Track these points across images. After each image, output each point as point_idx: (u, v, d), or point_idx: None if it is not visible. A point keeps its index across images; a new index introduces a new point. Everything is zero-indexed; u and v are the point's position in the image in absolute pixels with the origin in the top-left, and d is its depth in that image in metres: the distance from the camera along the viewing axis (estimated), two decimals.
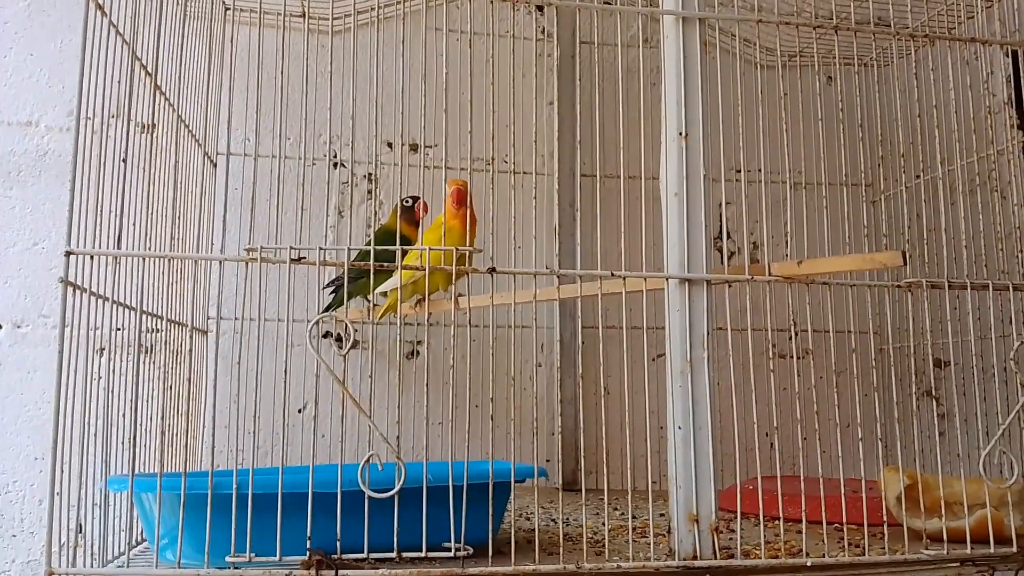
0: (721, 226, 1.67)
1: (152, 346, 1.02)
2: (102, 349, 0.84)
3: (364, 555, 0.80)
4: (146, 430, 0.97)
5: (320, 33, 1.43)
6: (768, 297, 1.10)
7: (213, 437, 0.85)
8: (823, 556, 0.87)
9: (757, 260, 1.67)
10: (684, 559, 0.84)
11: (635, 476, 1.30)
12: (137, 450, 0.84)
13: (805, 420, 0.91)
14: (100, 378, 0.84)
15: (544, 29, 1.68)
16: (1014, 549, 0.90)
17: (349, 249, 0.86)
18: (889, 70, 1.68)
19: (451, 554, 0.82)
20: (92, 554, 0.83)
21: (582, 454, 0.96)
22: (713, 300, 0.90)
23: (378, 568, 0.79)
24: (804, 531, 0.91)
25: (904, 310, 1.39)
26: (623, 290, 0.91)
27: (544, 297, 0.98)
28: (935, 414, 1.31)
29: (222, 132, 1.28)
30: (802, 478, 0.94)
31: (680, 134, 0.90)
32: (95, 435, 0.83)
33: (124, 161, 0.85)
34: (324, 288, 1.36)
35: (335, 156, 1.57)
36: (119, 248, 0.84)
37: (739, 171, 1.03)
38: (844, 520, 1.01)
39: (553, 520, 1.15)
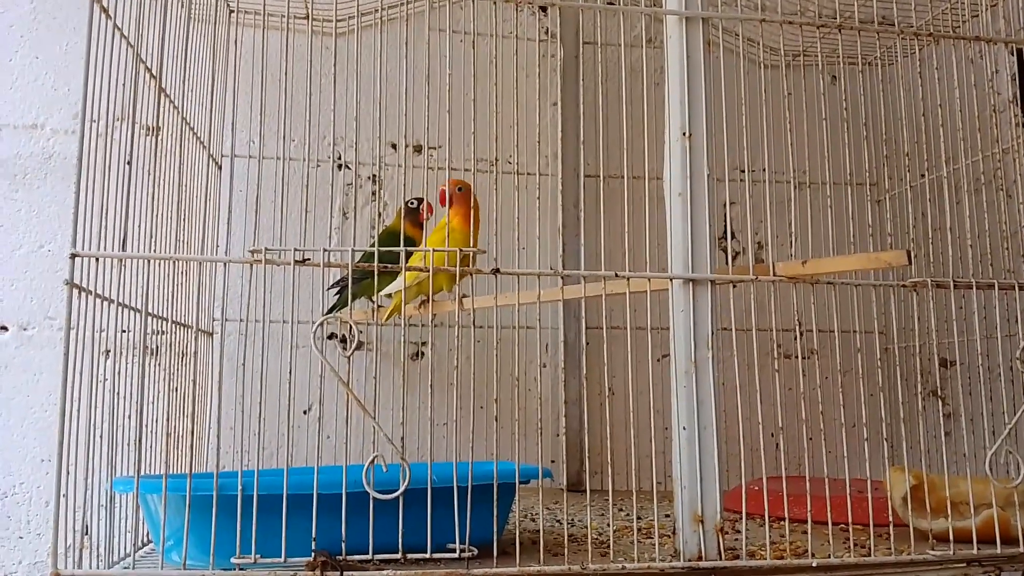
0: (725, 226, 1.67)
1: (157, 348, 1.02)
2: (108, 351, 0.85)
3: (369, 556, 0.80)
4: (151, 432, 0.97)
5: (324, 35, 1.43)
6: (773, 297, 1.10)
7: (218, 438, 0.85)
8: (828, 557, 0.86)
9: (762, 260, 1.67)
10: (689, 560, 0.84)
11: (640, 477, 1.30)
12: (143, 452, 0.84)
13: (810, 420, 0.91)
14: (106, 380, 0.85)
15: (548, 30, 1.68)
16: (1020, 549, 0.89)
17: (353, 250, 0.86)
18: (893, 69, 1.68)
19: (456, 555, 0.82)
20: (98, 555, 0.83)
21: (587, 455, 0.96)
22: (718, 300, 0.89)
23: (383, 569, 0.79)
24: (809, 532, 0.91)
25: (909, 310, 1.39)
26: (627, 290, 0.91)
27: (548, 298, 0.98)
28: (941, 414, 1.30)
29: (227, 134, 1.29)
30: (807, 478, 0.93)
31: (684, 134, 0.90)
32: (101, 437, 0.83)
33: (129, 164, 0.86)
34: (328, 289, 1.37)
35: (339, 158, 1.57)
36: (124, 250, 0.84)
37: (743, 171, 1.03)
38: (850, 520, 1.01)
39: (558, 521, 1.15)
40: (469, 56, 1.01)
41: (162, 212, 0.95)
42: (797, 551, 0.90)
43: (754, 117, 1.01)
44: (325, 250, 0.83)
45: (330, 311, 1.35)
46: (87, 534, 0.82)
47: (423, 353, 1.57)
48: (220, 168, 1.31)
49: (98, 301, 0.84)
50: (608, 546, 0.92)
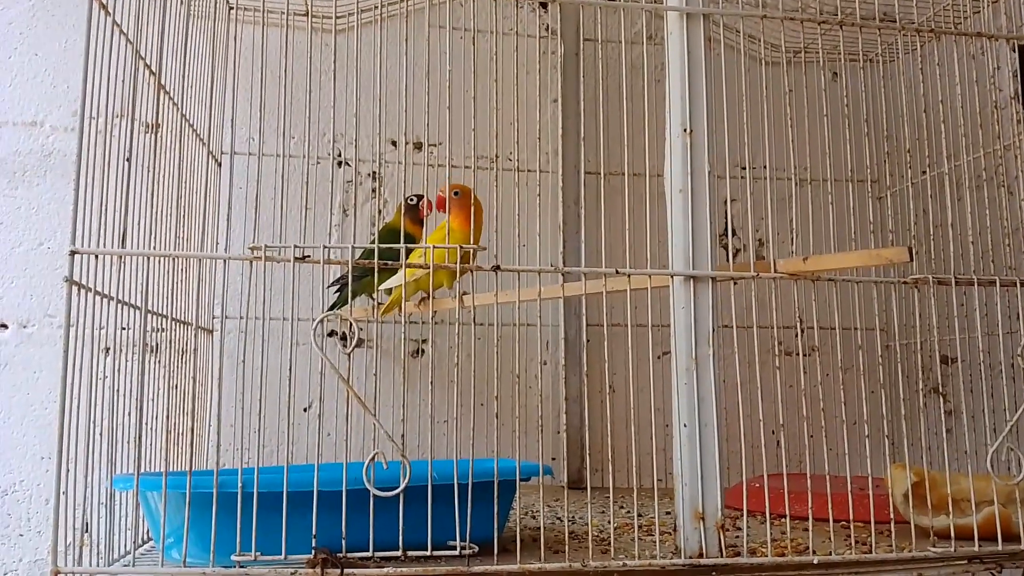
0: (726, 223, 1.67)
1: (157, 345, 1.02)
2: (107, 348, 0.85)
3: (369, 553, 0.80)
4: (151, 429, 0.97)
5: (324, 32, 1.43)
6: (774, 294, 1.09)
7: (219, 436, 0.85)
8: (830, 554, 0.86)
9: (763, 257, 1.67)
10: (690, 557, 0.84)
11: (641, 474, 1.29)
12: (142, 449, 0.84)
13: (811, 417, 0.91)
14: (105, 377, 0.85)
15: (548, 26, 1.67)
16: (1022, 546, 0.89)
17: (353, 247, 0.86)
18: (895, 66, 1.67)
19: (456, 552, 0.82)
20: (98, 553, 0.83)
21: (587, 452, 0.96)
22: (718, 297, 0.89)
23: (383, 566, 0.79)
24: (811, 529, 0.91)
25: (911, 306, 1.39)
26: (628, 288, 0.90)
27: (549, 295, 0.98)
28: (942, 411, 1.30)
29: (226, 131, 1.28)
30: (808, 476, 0.93)
31: (685, 130, 0.90)
32: (101, 434, 0.83)
33: (128, 161, 0.85)
34: (329, 287, 1.37)
35: (339, 155, 1.57)
36: (124, 247, 0.84)
37: (744, 168, 1.03)
38: (851, 518, 1.01)
39: (559, 518, 1.15)
40: (469, 53, 1.01)
41: (162, 209, 0.94)
42: (798, 548, 0.90)
43: (755, 114, 1.01)
44: (325, 247, 0.83)
45: (330, 309, 1.35)
46: (87, 531, 0.82)
47: (423, 350, 1.56)
48: (220, 165, 1.30)
49: (98, 298, 0.84)
50: (609, 543, 0.92)
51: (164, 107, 0.98)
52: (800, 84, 1.25)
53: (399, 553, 0.80)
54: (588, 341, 1.55)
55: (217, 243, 1.21)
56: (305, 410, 1.39)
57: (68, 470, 0.79)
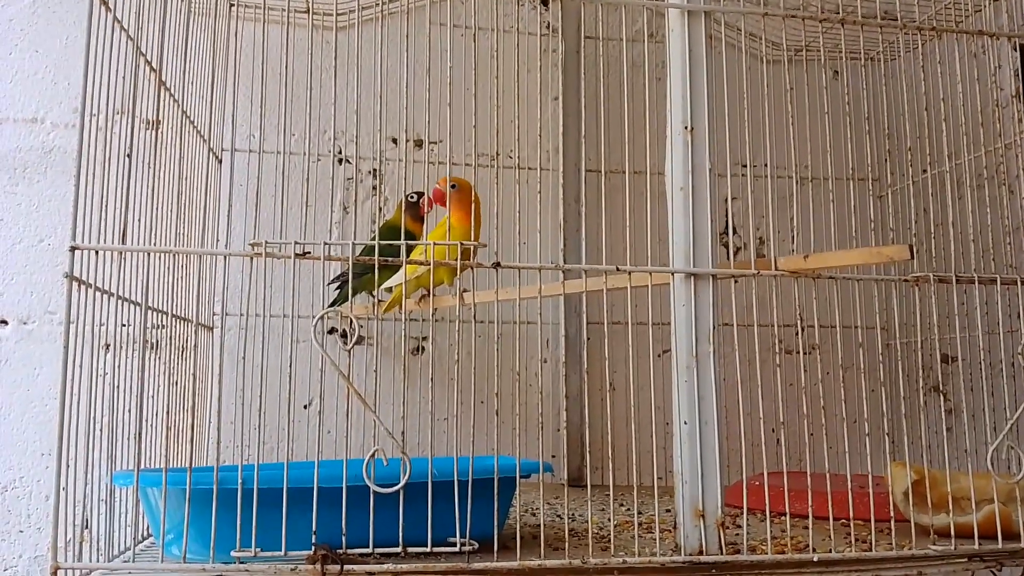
0: (727, 221, 1.67)
1: (157, 342, 1.02)
2: (108, 345, 0.85)
3: (369, 550, 0.80)
4: (151, 426, 0.97)
5: (324, 29, 1.43)
6: (774, 292, 1.09)
7: (219, 432, 0.85)
8: (830, 552, 0.86)
9: (763, 255, 1.67)
10: (690, 554, 0.84)
11: (641, 472, 1.29)
12: (143, 445, 0.84)
13: (811, 415, 0.91)
14: (106, 374, 0.85)
15: (549, 24, 1.67)
16: (1022, 545, 0.89)
17: (354, 244, 0.86)
18: (896, 64, 1.67)
19: (456, 549, 0.82)
20: (98, 549, 0.83)
21: (587, 450, 0.96)
22: (719, 295, 0.89)
23: (383, 563, 0.79)
24: (811, 527, 0.91)
25: (911, 305, 1.39)
26: (628, 285, 0.90)
27: (549, 292, 0.98)
28: (942, 409, 1.30)
29: (227, 128, 1.28)
30: (808, 474, 0.93)
31: (686, 128, 0.90)
32: (101, 431, 0.83)
33: (129, 157, 0.85)
34: (329, 284, 1.37)
35: (340, 152, 1.57)
36: (124, 244, 0.84)
37: (745, 166, 1.03)
38: (851, 516, 1.01)
39: (559, 516, 1.15)
40: (470, 50, 1.00)
41: (162, 206, 0.94)
42: (798, 546, 0.90)
43: (756, 112, 1.01)
44: (325, 244, 0.83)
45: (331, 306, 1.35)
46: (87, 528, 0.82)
47: (423, 348, 1.56)
48: (220, 162, 1.30)
49: (98, 295, 0.84)
50: (609, 541, 0.92)
51: (165, 104, 0.98)
52: (801, 82, 1.25)
53: (399, 549, 0.80)
54: (588, 339, 1.55)
55: (218, 240, 1.21)
56: (305, 407, 1.39)
57: (68, 466, 0.79)
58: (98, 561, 0.82)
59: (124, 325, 0.87)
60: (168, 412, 1.00)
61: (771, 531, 0.89)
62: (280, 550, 0.79)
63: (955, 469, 0.95)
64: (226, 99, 1.21)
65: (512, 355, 1.01)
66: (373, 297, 1.35)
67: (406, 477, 0.80)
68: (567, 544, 0.85)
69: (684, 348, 0.87)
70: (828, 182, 1.07)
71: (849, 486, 0.92)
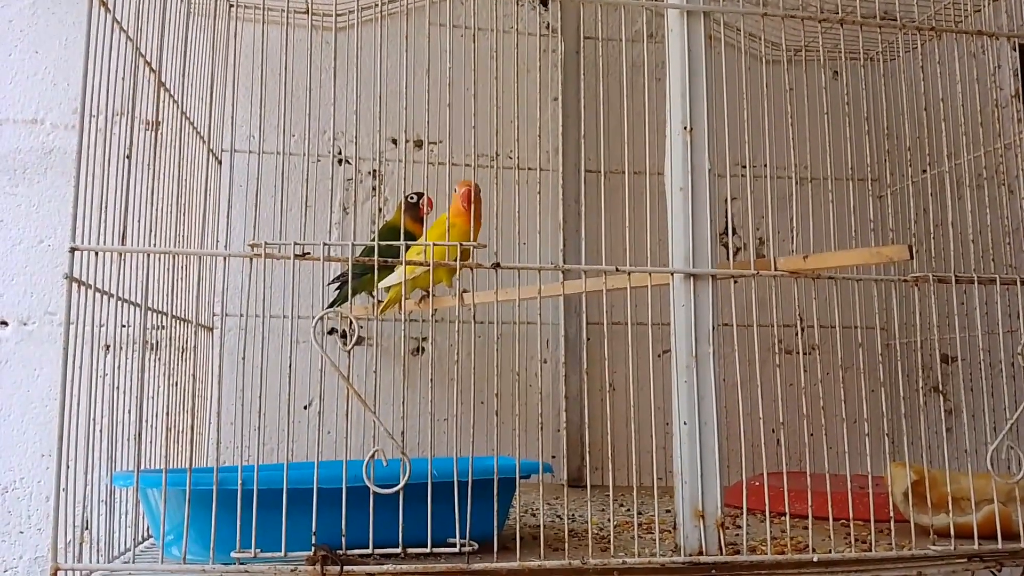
0: (727, 222, 1.67)
1: (157, 343, 1.02)
2: (107, 346, 0.85)
3: (369, 551, 0.80)
4: (151, 427, 0.97)
5: (324, 29, 1.43)
6: (774, 292, 1.09)
7: (219, 433, 0.85)
8: (829, 552, 0.86)
9: (763, 255, 1.67)
10: (690, 555, 0.84)
11: (641, 472, 1.29)
12: (142, 446, 0.84)
13: (811, 416, 0.91)
14: (105, 375, 0.85)
15: (548, 24, 1.67)
16: (1022, 545, 0.89)
17: (353, 245, 0.86)
18: (895, 64, 1.67)
19: (456, 550, 0.82)
20: (98, 550, 0.83)
21: (587, 450, 0.96)
22: (719, 295, 0.89)
23: (383, 564, 0.79)
24: (810, 527, 0.91)
25: (911, 305, 1.39)
26: (628, 286, 0.90)
27: (549, 293, 0.98)
28: (942, 410, 1.30)
29: (226, 129, 1.28)
30: (808, 474, 0.93)
31: (685, 128, 0.90)
32: (101, 432, 0.83)
33: (128, 158, 0.85)
34: (329, 284, 1.37)
35: (339, 153, 1.57)
36: (124, 245, 0.84)
37: (744, 166, 1.03)
38: (851, 516, 1.01)
39: (558, 516, 1.15)
40: (470, 51, 1.01)
41: (162, 206, 0.94)
42: (798, 546, 0.90)
43: (755, 112, 1.01)
44: (325, 244, 0.83)
45: (330, 306, 1.35)
46: (87, 529, 0.82)
47: (423, 348, 1.56)
48: (220, 163, 1.30)
49: (98, 296, 0.84)
50: (609, 541, 0.92)
51: (164, 105, 0.98)
52: (800, 82, 1.25)
53: (399, 550, 0.80)
54: (588, 339, 1.55)
55: (217, 240, 1.21)
56: (305, 408, 1.39)
57: (68, 467, 0.79)
58: (98, 562, 0.82)
59: (124, 326, 0.87)
60: (168, 413, 1.00)
61: (771, 531, 0.89)
62: (280, 551, 0.79)
63: (955, 469, 0.95)
64: (226, 100, 1.21)
65: (512, 355, 1.01)
66: (373, 298, 1.35)
67: (406, 478, 0.80)
68: (567, 545, 0.85)
69: (684, 348, 0.87)
70: (828, 182, 1.07)
71: (849, 486, 0.92)
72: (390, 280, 1.25)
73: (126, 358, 0.85)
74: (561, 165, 1.61)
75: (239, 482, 0.79)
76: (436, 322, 1.55)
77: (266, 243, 0.83)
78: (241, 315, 1.03)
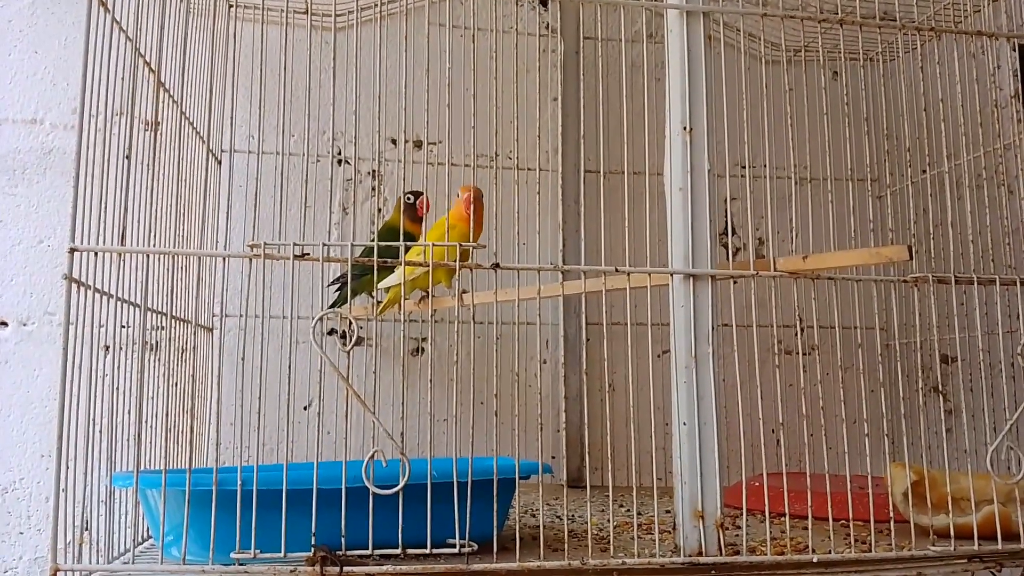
0: (726, 222, 1.67)
1: (157, 343, 1.02)
2: (107, 346, 0.85)
3: (369, 551, 0.80)
4: (151, 427, 0.97)
5: (323, 30, 1.43)
6: (773, 293, 1.09)
7: (218, 434, 0.85)
8: (829, 552, 0.86)
9: (762, 255, 1.67)
10: (689, 555, 0.84)
11: (640, 472, 1.30)
12: (142, 447, 0.84)
13: (811, 416, 0.91)
14: (105, 375, 0.84)
15: (548, 25, 1.67)
16: (1022, 545, 0.89)
17: (353, 245, 0.86)
18: (895, 64, 1.67)
19: (456, 550, 0.82)
20: (98, 551, 0.83)
21: (587, 450, 0.96)
22: (718, 296, 0.89)
23: (383, 564, 0.79)
24: (810, 527, 0.91)
25: (911, 305, 1.39)
26: (627, 286, 0.90)
27: (548, 293, 0.98)
28: (942, 410, 1.30)
29: (226, 129, 1.28)
30: (808, 474, 0.93)
31: (684, 129, 0.90)
32: (100, 432, 0.83)
33: (128, 158, 0.85)
34: (328, 285, 1.36)
35: (339, 153, 1.57)
36: (123, 245, 0.84)
37: (744, 166, 1.03)
38: (850, 517, 1.01)
39: (558, 517, 1.15)
40: (469, 51, 1.00)
41: (161, 207, 0.94)
42: (798, 547, 0.90)
43: (755, 112, 1.01)
44: (324, 245, 0.83)
45: (330, 307, 1.34)
46: (87, 529, 0.81)
47: (423, 349, 1.56)
48: (219, 163, 1.30)
49: (97, 296, 0.84)
50: (608, 542, 0.92)
51: (164, 105, 0.98)
52: (800, 83, 1.25)
53: (398, 551, 0.80)
54: (588, 339, 1.55)
55: (217, 241, 1.21)
56: (305, 408, 1.39)
57: (68, 468, 0.79)
58: (98, 563, 0.82)
59: (123, 326, 0.87)
60: (168, 413, 1.00)
61: (770, 532, 0.89)
62: (279, 551, 0.79)
63: (955, 470, 0.95)
64: (225, 100, 1.21)
65: (511, 356, 1.01)
66: (373, 298, 1.35)
67: (405, 478, 0.80)
68: (566, 545, 0.85)
69: (683, 349, 0.87)
70: (827, 182, 1.07)
71: (848, 487, 0.92)
72: (390, 281, 1.25)
73: (126, 358, 0.85)
74: (560, 165, 1.61)
75: (239, 483, 0.79)
76: (436, 322, 1.55)
77: (265, 243, 0.83)
78: (241, 315, 1.03)
